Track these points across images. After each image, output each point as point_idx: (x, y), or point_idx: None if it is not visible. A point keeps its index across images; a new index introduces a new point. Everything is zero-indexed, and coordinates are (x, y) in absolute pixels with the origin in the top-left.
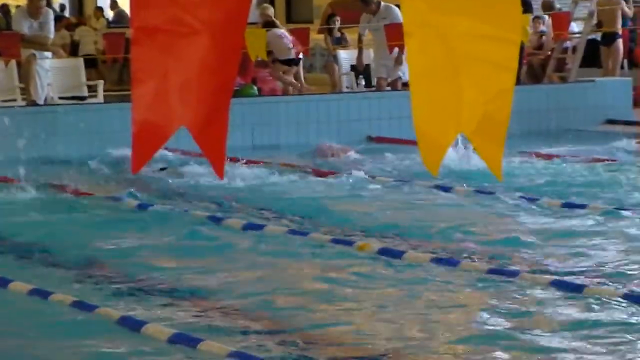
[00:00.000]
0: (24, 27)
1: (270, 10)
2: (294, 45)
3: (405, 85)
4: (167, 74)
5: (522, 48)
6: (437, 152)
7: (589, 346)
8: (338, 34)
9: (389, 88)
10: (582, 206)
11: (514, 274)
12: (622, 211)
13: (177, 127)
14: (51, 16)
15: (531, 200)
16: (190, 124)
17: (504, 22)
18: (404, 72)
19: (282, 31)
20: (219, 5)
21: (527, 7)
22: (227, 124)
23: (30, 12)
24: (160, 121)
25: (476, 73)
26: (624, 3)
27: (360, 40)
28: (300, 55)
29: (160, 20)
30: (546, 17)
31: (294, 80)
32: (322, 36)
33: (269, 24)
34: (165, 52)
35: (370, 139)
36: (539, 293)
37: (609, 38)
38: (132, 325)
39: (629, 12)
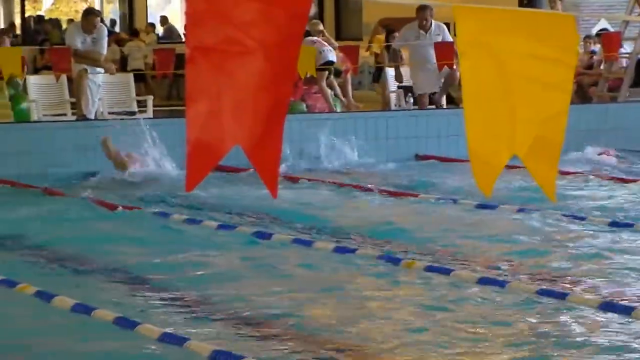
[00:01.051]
0: (78, 42)
1: (320, 27)
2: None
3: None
4: (221, 93)
5: None
6: (490, 173)
7: None
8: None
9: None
10: (630, 225)
11: (563, 295)
12: None
13: (231, 146)
14: (105, 32)
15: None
16: (244, 142)
17: (559, 43)
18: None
19: (315, 38)
20: (273, 24)
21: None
22: (281, 143)
23: (84, 27)
24: (214, 140)
25: (530, 94)
26: None
27: (400, 57)
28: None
29: (215, 40)
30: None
31: (331, 88)
32: (368, 53)
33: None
34: (219, 71)
35: (418, 156)
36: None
37: None
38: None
39: None
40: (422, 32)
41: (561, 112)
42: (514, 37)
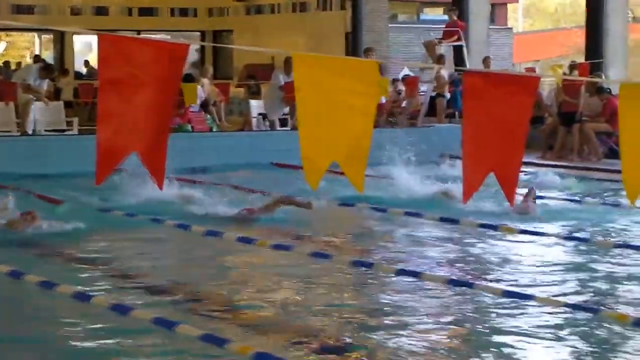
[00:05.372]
0: (31, 80)
1: (210, 70)
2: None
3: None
4: (123, 114)
5: (383, 102)
6: (316, 173)
7: None
8: (254, 88)
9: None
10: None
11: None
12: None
13: (130, 152)
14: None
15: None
16: (140, 150)
17: (366, 81)
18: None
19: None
20: (160, 65)
21: (381, 71)
22: (166, 151)
23: (40, 73)
24: (117, 148)
25: (346, 117)
26: (444, 72)
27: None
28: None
29: (120, 76)
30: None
31: (210, 114)
32: (240, 89)
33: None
34: (122, 98)
35: (273, 164)
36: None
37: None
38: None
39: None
40: (282, 75)
41: (367, 129)
42: (336, 76)
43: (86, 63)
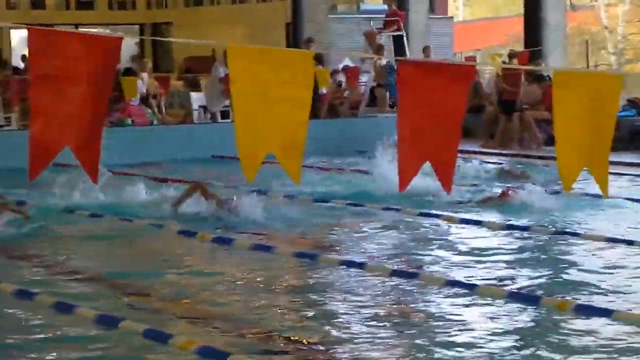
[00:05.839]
0: None
1: (149, 64)
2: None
3: None
4: (55, 107)
5: (324, 92)
6: (252, 164)
7: None
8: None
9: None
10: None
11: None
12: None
13: (64, 146)
14: None
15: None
16: (73, 144)
17: (301, 72)
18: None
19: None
20: (93, 59)
21: (322, 62)
22: (100, 145)
23: None
24: (51, 142)
25: (282, 108)
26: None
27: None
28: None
29: (51, 69)
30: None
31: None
32: (179, 82)
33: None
34: (54, 92)
35: (213, 156)
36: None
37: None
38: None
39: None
40: (222, 68)
41: (303, 120)
42: (272, 68)
43: (24, 58)
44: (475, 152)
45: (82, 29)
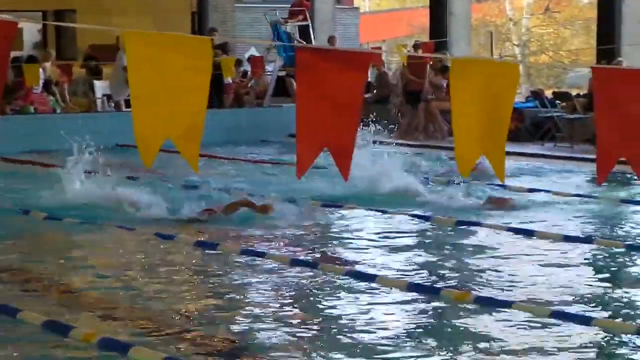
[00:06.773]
0: None
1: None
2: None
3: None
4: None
5: (229, 82)
6: (151, 150)
7: None
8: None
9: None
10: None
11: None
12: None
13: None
14: None
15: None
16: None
17: (199, 57)
18: None
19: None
20: None
21: (227, 51)
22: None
23: None
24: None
25: (181, 94)
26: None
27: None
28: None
29: None
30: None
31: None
32: (83, 70)
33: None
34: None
35: (118, 145)
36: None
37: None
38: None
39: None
40: (125, 56)
41: (201, 106)
42: (169, 53)
43: None
44: (381, 143)
45: None
